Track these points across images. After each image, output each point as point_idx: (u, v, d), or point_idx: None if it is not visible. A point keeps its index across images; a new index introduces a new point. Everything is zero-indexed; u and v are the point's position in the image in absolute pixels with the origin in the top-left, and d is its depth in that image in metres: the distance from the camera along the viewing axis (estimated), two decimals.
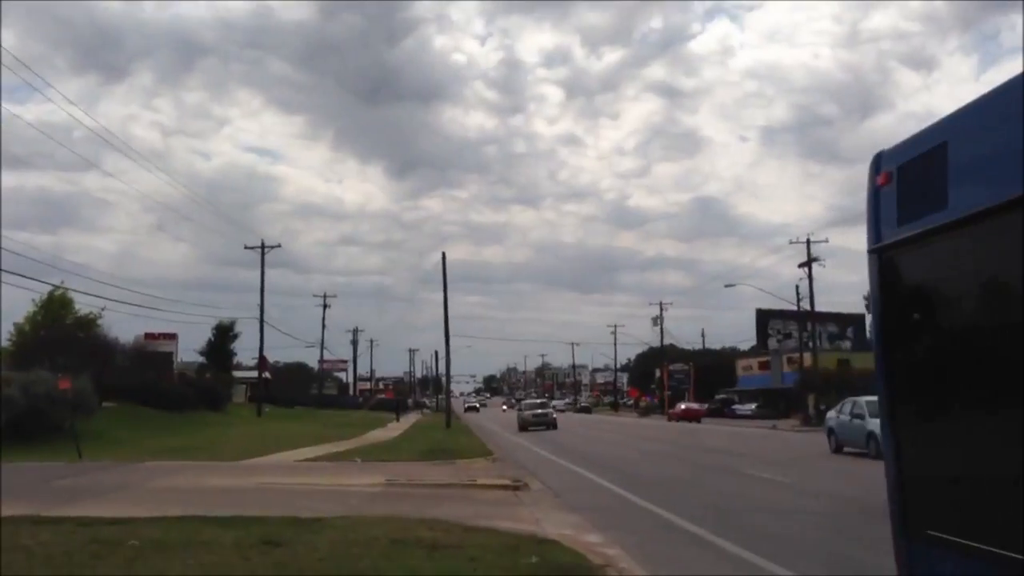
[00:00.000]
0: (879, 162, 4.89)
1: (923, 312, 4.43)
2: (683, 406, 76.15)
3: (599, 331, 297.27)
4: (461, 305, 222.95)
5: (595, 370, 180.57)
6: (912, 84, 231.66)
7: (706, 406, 77.40)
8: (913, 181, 4.49)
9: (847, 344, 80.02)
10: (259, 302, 64.27)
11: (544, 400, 77.12)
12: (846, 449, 29.41)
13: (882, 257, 4.77)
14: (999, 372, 3.85)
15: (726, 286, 75.55)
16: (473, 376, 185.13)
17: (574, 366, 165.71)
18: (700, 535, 12.47)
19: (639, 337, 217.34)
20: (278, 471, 23.04)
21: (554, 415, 58.65)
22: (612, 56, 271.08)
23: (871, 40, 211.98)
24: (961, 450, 4.24)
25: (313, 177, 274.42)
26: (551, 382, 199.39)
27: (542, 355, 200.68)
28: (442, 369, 67.26)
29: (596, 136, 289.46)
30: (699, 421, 66.66)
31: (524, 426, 54.32)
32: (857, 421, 28.61)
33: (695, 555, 11.13)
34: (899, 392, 4.70)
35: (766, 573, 9.69)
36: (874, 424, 27.34)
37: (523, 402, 77.31)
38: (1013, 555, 3.69)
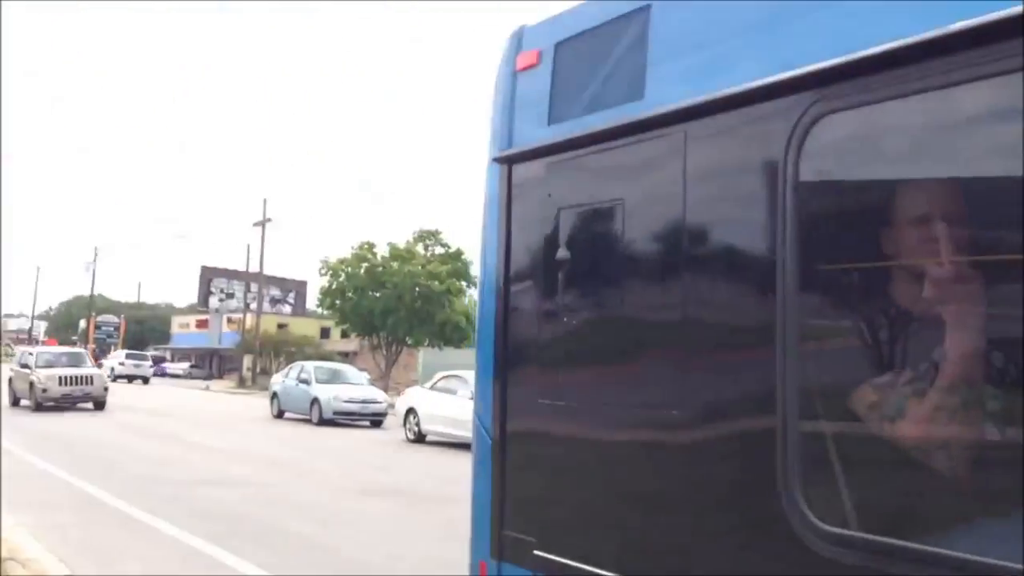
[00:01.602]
0: (521, 39, 3.53)
1: (577, 252, 3.13)
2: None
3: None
4: None
5: (7, 315, 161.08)
6: None
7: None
8: (584, 62, 3.18)
9: (287, 309, 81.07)
10: None
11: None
12: (288, 415, 28.67)
13: (514, 169, 3.41)
14: (659, 341, 2.83)
15: (174, 239, 71.52)
16: None
17: None
18: (133, 515, 10.79)
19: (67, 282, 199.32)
20: None
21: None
22: None
23: None
24: (587, 436, 3.08)
25: None
26: None
27: None
28: None
29: None
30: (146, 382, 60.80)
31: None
32: (303, 386, 28.01)
33: (124, 540, 9.39)
34: (514, 355, 3.38)
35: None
36: (319, 390, 27.03)
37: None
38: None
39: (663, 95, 2.82)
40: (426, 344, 50.53)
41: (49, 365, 29.22)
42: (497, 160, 3.47)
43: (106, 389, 29.57)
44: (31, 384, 28.37)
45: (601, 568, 2.91)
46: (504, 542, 3.36)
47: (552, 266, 3.19)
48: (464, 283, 50.06)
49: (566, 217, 3.17)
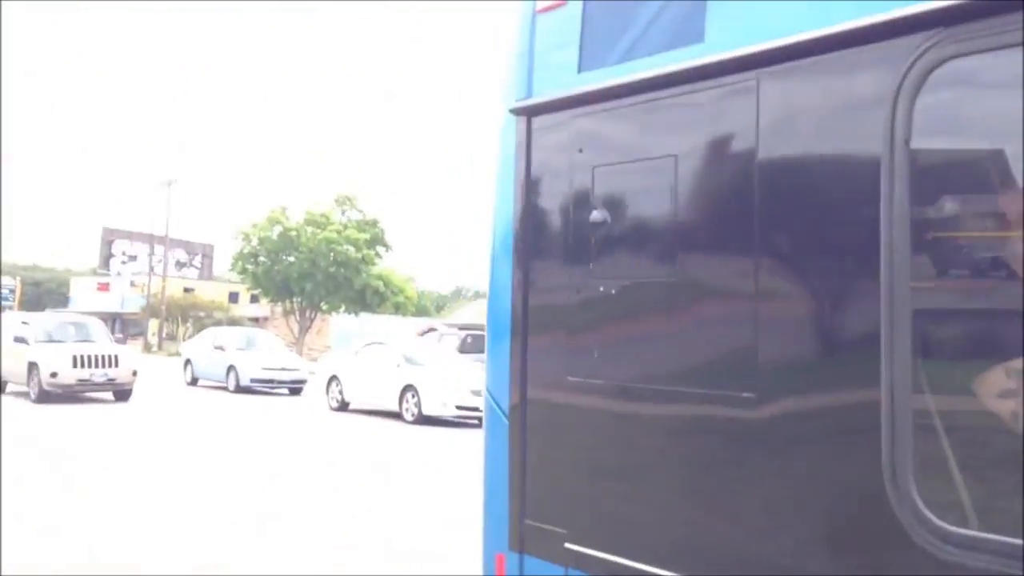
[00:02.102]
0: None
1: (617, 213, 2.80)
2: None
3: None
4: None
5: None
6: None
7: None
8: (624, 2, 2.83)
9: (194, 272, 78.75)
10: None
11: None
12: (203, 382, 27.77)
13: (536, 122, 3.05)
14: (689, 309, 2.56)
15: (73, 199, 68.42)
16: None
17: None
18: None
19: None
20: None
21: None
22: None
23: None
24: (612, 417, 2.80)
25: None
26: None
27: None
28: None
29: None
30: None
31: None
32: (218, 353, 27.12)
33: None
34: (538, 328, 3.04)
35: None
36: (235, 357, 26.21)
37: None
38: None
39: (728, 37, 2.50)
40: (342, 310, 49.73)
41: (53, 339, 21.82)
42: (515, 111, 3.11)
43: (135, 373, 22.01)
44: (31, 366, 20.95)
45: (650, 565, 2.63)
46: (526, 533, 3.05)
47: (585, 228, 2.86)
48: (379, 250, 49.45)
49: (603, 174, 2.83)
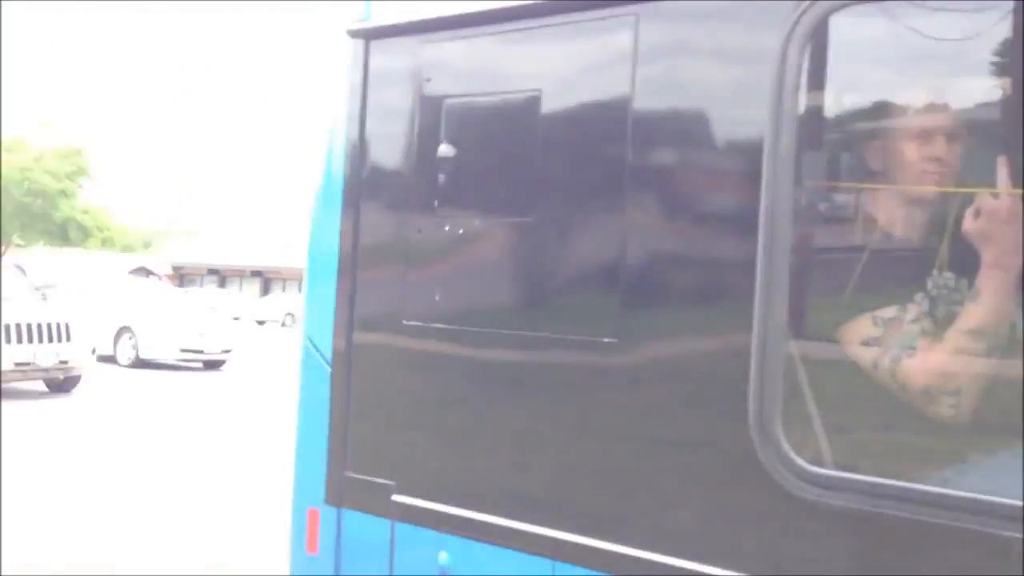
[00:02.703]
0: None
1: (469, 149, 2.63)
2: None
3: None
4: None
5: None
6: None
7: None
8: None
9: None
10: None
11: None
12: None
13: (375, 46, 2.81)
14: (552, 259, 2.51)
15: None
16: None
17: None
18: None
19: None
20: None
21: None
22: None
23: None
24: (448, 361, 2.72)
25: None
26: None
27: None
28: None
29: None
30: None
31: None
32: None
33: None
34: (370, 270, 2.84)
35: None
36: None
37: None
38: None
39: None
40: (41, 244, 45.48)
41: None
42: (352, 34, 2.86)
43: (94, 351, 15.81)
44: None
45: (490, 515, 2.55)
46: (346, 486, 2.87)
47: (431, 165, 2.69)
48: (83, 182, 45.58)
49: (454, 107, 2.67)
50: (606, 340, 2.35)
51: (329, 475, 2.90)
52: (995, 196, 1.96)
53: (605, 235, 2.38)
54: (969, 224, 1.99)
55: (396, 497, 2.74)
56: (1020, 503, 1.77)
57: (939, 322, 2.07)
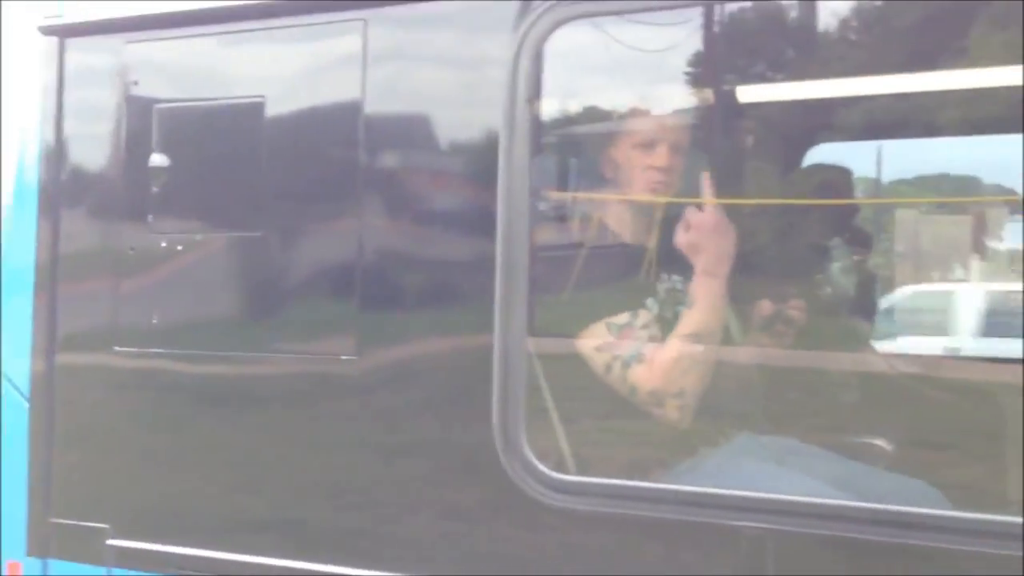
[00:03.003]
0: None
1: (185, 159, 2.41)
2: None
3: None
4: None
5: None
6: None
7: None
8: None
9: None
10: None
11: None
12: None
13: (71, 45, 2.53)
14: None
15: None
16: None
17: None
18: None
19: None
20: None
21: None
22: None
23: None
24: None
25: None
26: None
27: None
28: None
29: None
30: None
31: None
32: None
33: None
34: (74, 292, 2.55)
35: None
36: None
37: None
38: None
39: None
40: None
41: None
42: (44, 31, 2.57)
43: None
44: None
45: (215, 549, 2.37)
46: (52, 534, 2.56)
47: (141, 174, 2.46)
48: None
49: (167, 114, 2.46)
50: (344, 355, 2.25)
51: (31, 523, 2.58)
52: (700, 209, 2.10)
53: (339, 246, 2.28)
54: (679, 236, 2.12)
55: (111, 541, 2.48)
56: (751, 494, 1.89)
57: (666, 327, 2.17)
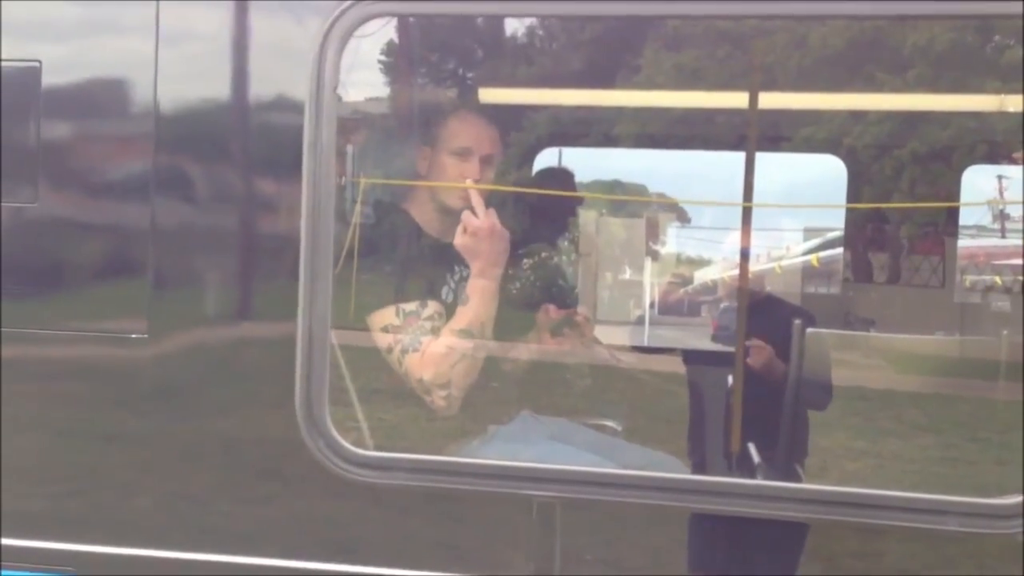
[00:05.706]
0: None
1: None
2: None
3: None
4: None
5: None
6: None
7: None
8: None
9: None
10: None
11: None
12: None
13: None
14: None
15: None
16: None
17: None
18: None
19: None
20: None
21: None
22: None
23: None
24: None
25: None
26: None
27: None
28: None
29: None
30: None
31: None
32: None
33: None
34: None
35: None
36: None
37: None
38: None
39: None
40: None
41: None
42: None
43: None
44: None
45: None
46: None
47: None
48: None
49: None
50: (135, 336, 2.20)
51: None
52: (476, 215, 2.23)
53: (130, 222, 2.22)
54: (458, 239, 2.26)
55: None
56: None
57: (447, 319, 2.31)
